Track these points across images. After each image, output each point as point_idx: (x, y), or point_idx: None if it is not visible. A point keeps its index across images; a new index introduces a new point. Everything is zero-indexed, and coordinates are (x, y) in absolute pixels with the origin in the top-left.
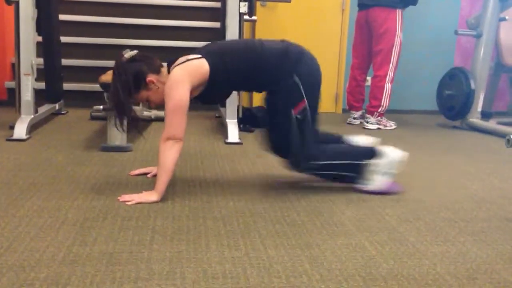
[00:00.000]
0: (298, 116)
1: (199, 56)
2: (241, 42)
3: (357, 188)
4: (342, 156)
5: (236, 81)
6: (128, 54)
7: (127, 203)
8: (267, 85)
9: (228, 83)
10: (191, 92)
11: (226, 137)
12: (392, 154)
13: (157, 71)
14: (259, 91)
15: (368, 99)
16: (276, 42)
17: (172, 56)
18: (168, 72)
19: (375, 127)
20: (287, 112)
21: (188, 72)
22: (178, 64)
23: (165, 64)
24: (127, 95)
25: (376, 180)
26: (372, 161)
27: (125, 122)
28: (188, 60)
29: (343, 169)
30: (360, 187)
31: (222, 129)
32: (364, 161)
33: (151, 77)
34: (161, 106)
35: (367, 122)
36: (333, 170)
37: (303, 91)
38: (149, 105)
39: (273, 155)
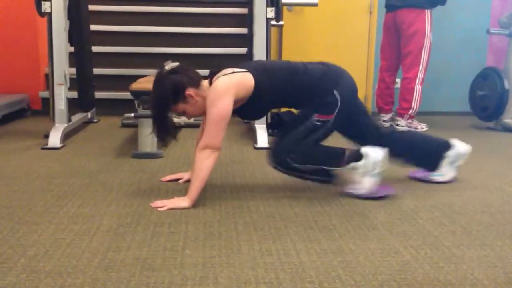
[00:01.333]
0: (317, 123)
1: (245, 70)
2: (285, 62)
3: (347, 192)
4: (313, 157)
5: (278, 99)
6: (169, 65)
7: (159, 209)
8: (308, 103)
9: (270, 100)
10: (233, 104)
11: (255, 142)
12: (373, 154)
13: (197, 85)
14: (298, 108)
15: (398, 101)
16: (318, 64)
17: (200, 62)
18: (210, 82)
19: (406, 129)
20: (311, 112)
21: (234, 84)
22: (224, 75)
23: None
24: (164, 107)
25: (363, 183)
26: (354, 163)
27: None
28: (234, 72)
29: (312, 171)
30: (350, 191)
31: (251, 134)
32: (342, 164)
33: (189, 91)
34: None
35: (398, 125)
36: (301, 170)
37: (338, 108)
38: (186, 116)
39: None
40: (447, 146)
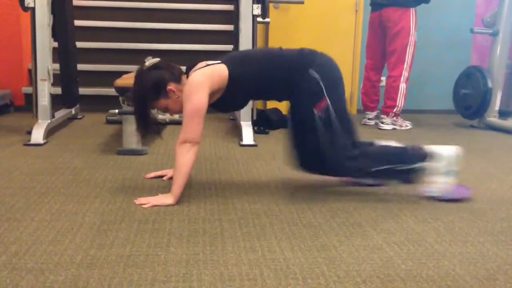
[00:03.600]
0: (321, 115)
1: (219, 62)
2: (261, 49)
3: (426, 194)
4: (387, 160)
5: (254, 87)
6: (149, 61)
7: (143, 206)
8: (286, 89)
9: (246, 89)
10: (209, 97)
11: (241, 139)
12: (445, 152)
13: (178, 80)
14: (279, 98)
15: (383, 99)
16: (294, 49)
17: (186, 59)
18: (187, 77)
19: (390, 128)
20: (309, 112)
21: (207, 77)
22: (198, 69)
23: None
24: (146, 102)
25: (440, 183)
26: (426, 163)
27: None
28: (208, 65)
29: (390, 173)
30: (428, 193)
31: (237, 131)
32: (417, 164)
33: (171, 86)
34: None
35: (382, 123)
36: (380, 174)
37: (323, 88)
38: (168, 112)
39: (304, 171)
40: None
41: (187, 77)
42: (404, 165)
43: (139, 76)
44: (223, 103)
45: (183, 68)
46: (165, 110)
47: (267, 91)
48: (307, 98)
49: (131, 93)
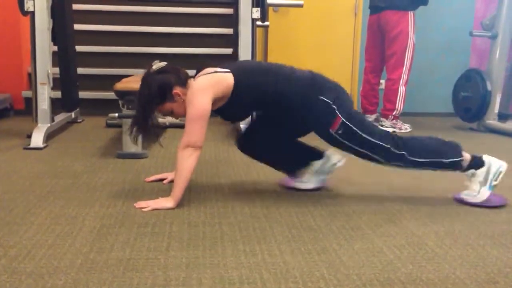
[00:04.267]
0: (339, 131)
1: (227, 70)
2: (273, 64)
3: (460, 200)
4: (435, 150)
5: (258, 101)
6: (156, 65)
7: (143, 209)
8: (294, 110)
9: (250, 101)
10: (213, 104)
11: None
12: (496, 163)
13: (184, 84)
14: (285, 118)
15: (382, 102)
16: (306, 71)
17: (185, 63)
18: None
19: (390, 130)
20: (326, 134)
21: (212, 83)
22: (205, 74)
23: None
24: (151, 106)
25: (481, 192)
26: (474, 171)
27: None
28: (216, 72)
29: (437, 164)
30: (465, 199)
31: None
32: (457, 158)
33: (177, 90)
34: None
35: (382, 126)
36: (430, 165)
37: (335, 109)
38: (173, 116)
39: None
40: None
41: (195, 80)
42: (447, 158)
43: (145, 79)
44: (226, 111)
45: (190, 72)
46: (170, 113)
47: (272, 108)
48: (320, 118)
49: (137, 96)
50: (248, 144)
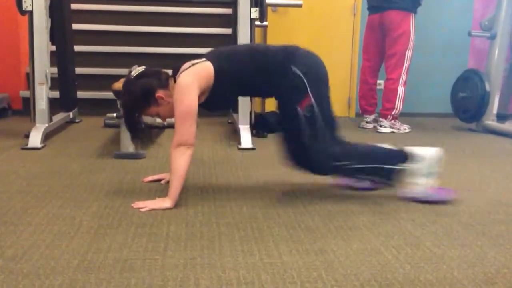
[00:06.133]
0: (306, 113)
1: (203, 59)
2: (246, 44)
3: (406, 196)
4: (370, 158)
5: (240, 83)
6: (135, 70)
7: (141, 209)
8: (270, 85)
9: (232, 85)
10: (199, 97)
11: (239, 142)
12: (427, 153)
13: (166, 86)
14: (265, 94)
15: (381, 102)
16: (278, 45)
17: (184, 63)
18: (174, 80)
19: (389, 131)
20: (293, 109)
21: (195, 76)
22: (184, 70)
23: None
24: (136, 113)
25: (420, 185)
26: (408, 165)
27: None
28: (193, 65)
29: (373, 172)
30: (408, 195)
31: (235, 134)
32: (398, 165)
33: (159, 93)
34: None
35: (381, 126)
36: (362, 172)
37: (307, 84)
38: (160, 119)
39: (295, 169)
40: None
41: (175, 80)
42: (385, 165)
43: (127, 86)
44: (211, 102)
45: (169, 71)
46: (157, 116)
47: (252, 88)
48: (291, 95)
49: (121, 103)
50: (292, 158)
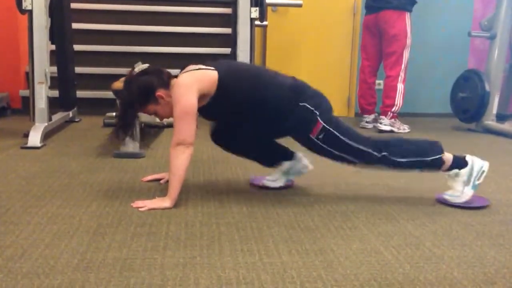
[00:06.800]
0: (319, 136)
1: (211, 68)
2: (257, 66)
3: (444, 201)
4: (415, 151)
5: (241, 102)
6: (139, 67)
7: (140, 209)
8: (275, 115)
9: (233, 102)
10: (198, 100)
11: None
12: (479, 163)
13: (167, 85)
14: (264, 122)
15: (382, 99)
16: (289, 76)
17: (183, 62)
18: None
19: (389, 129)
20: (307, 140)
21: (196, 79)
22: (187, 71)
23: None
24: (135, 108)
25: (464, 192)
26: (457, 171)
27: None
28: (199, 68)
29: (418, 165)
30: (448, 200)
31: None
32: (438, 155)
33: (160, 92)
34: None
35: (381, 123)
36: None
37: (317, 115)
38: (158, 118)
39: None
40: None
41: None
42: (428, 157)
43: (128, 82)
44: (209, 109)
45: (172, 71)
46: (154, 115)
47: (251, 112)
48: (301, 125)
49: (120, 98)
50: (222, 137)
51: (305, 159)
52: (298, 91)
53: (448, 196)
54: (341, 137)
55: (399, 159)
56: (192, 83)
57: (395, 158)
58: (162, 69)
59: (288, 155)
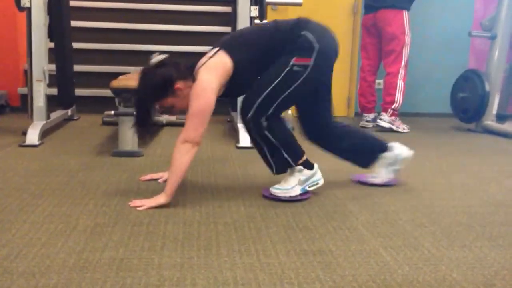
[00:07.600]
0: (295, 67)
1: (217, 48)
2: (256, 27)
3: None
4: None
5: (259, 66)
6: (156, 58)
7: (138, 208)
8: (284, 52)
9: (251, 69)
10: (218, 91)
11: (238, 141)
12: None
13: (185, 77)
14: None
15: (382, 97)
16: (290, 19)
17: (183, 61)
18: (195, 74)
19: (388, 126)
20: (287, 60)
21: (216, 74)
22: (202, 66)
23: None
24: (152, 101)
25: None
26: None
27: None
28: (209, 58)
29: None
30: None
31: (234, 133)
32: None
33: (179, 84)
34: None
35: (380, 119)
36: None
37: (314, 49)
38: (173, 111)
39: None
40: (384, 148)
41: (195, 74)
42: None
43: (145, 73)
44: (233, 90)
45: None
46: (171, 108)
47: (268, 63)
48: (294, 50)
49: (136, 90)
50: (312, 136)
51: (401, 147)
52: (301, 23)
53: (276, 189)
54: (288, 90)
55: (270, 136)
56: (213, 81)
57: (269, 134)
58: (179, 61)
59: (384, 146)
